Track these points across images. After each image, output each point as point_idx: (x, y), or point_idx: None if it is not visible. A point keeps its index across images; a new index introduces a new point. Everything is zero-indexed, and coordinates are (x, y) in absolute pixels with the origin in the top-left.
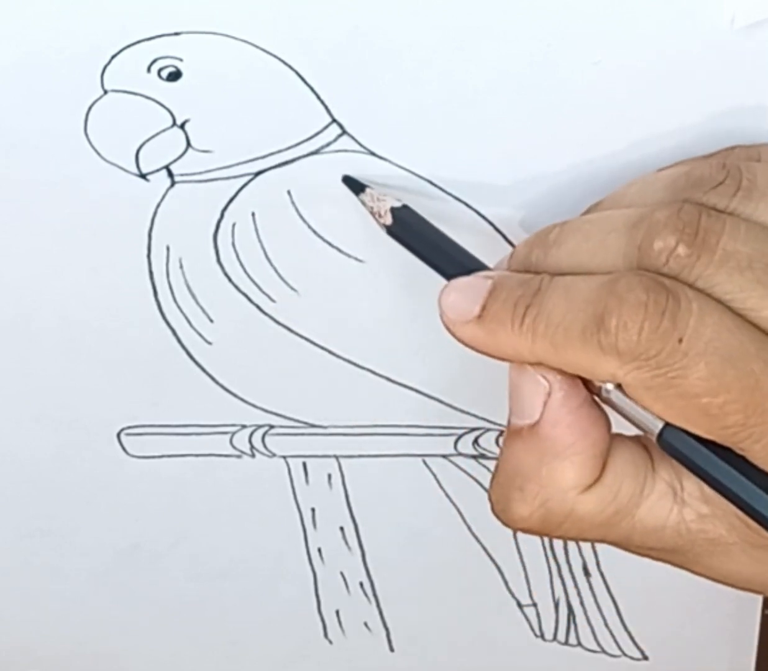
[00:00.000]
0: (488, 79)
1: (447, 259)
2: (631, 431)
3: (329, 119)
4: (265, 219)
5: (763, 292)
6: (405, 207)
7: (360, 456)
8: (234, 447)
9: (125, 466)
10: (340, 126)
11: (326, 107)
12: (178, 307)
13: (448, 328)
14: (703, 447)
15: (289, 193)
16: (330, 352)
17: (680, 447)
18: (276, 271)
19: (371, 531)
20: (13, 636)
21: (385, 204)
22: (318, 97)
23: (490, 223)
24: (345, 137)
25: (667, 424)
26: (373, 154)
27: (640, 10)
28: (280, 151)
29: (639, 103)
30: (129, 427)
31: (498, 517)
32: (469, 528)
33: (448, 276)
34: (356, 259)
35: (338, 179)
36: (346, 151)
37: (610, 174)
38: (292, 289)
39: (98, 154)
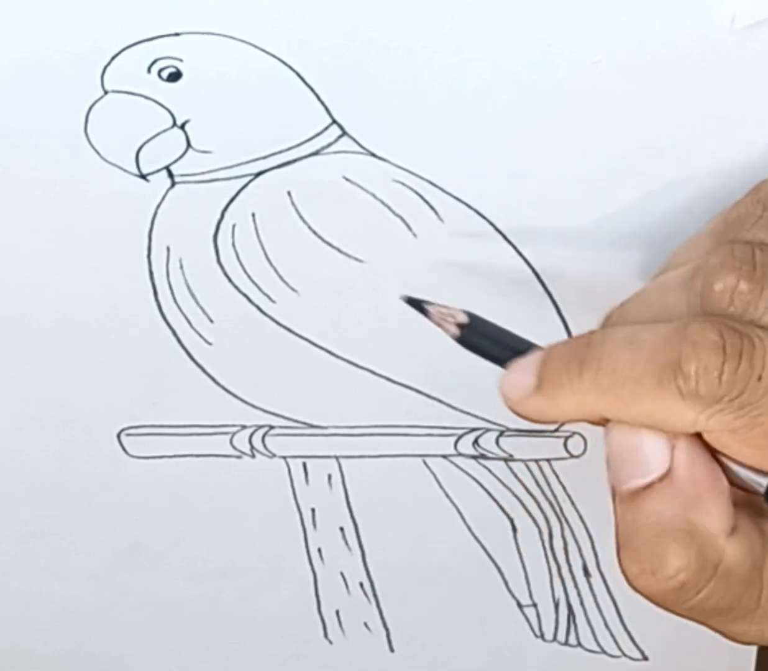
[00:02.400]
0: (488, 79)
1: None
2: None
3: (329, 120)
4: (265, 219)
5: None
6: (472, 319)
7: (360, 456)
8: (234, 448)
9: (125, 466)
10: (341, 127)
11: (326, 108)
12: (179, 308)
13: (511, 410)
14: None
15: (289, 193)
16: (330, 352)
17: None
18: (276, 271)
19: (371, 531)
20: (13, 636)
21: (453, 319)
22: (318, 98)
23: (490, 223)
24: (345, 138)
25: None
26: (373, 155)
27: (640, 10)
28: (280, 152)
29: (639, 103)
30: (129, 427)
31: (637, 586)
32: (469, 528)
33: None
34: (356, 259)
35: (339, 180)
36: (346, 152)
37: (611, 174)
38: (292, 289)
39: (98, 154)
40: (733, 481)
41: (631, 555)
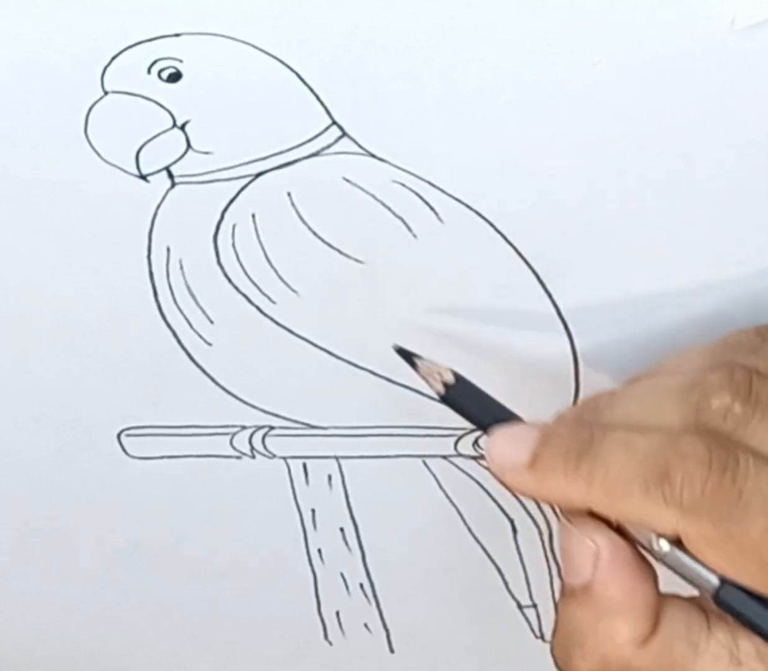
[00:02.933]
0: (488, 79)
1: (501, 421)
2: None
3: (329, 121)
4: (265, 220)
5: None
6: (457, 379)
7: (360, 456)
8: (234, 448)
9: (125, 467)
10: (341, 128)
11: (326, 109)
12: (179, 308)
13: (495, 475)
14: (759, 605)
15: (289, 194)
16: (330, 353)
17: (736, 605)
18: (276, 272)
19: (371, 531)
20: (13, 636)
21: (439, 377)
22: (318, 99)
23: (490, 224)
24: (345, 139)
25: (723, 582)
26: (373, 155)
27: (640, 10)
28: (280, 153)
29: (639, 103)
30: (129, 428)
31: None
32: (469, 529)
33: None
34: (356, 259)
35: (339, 181)
36: (346, 153)
37: (611, 174)
38: (292, 290)
39: (98, 154)
40: (690, 581)
41: (554, 645)
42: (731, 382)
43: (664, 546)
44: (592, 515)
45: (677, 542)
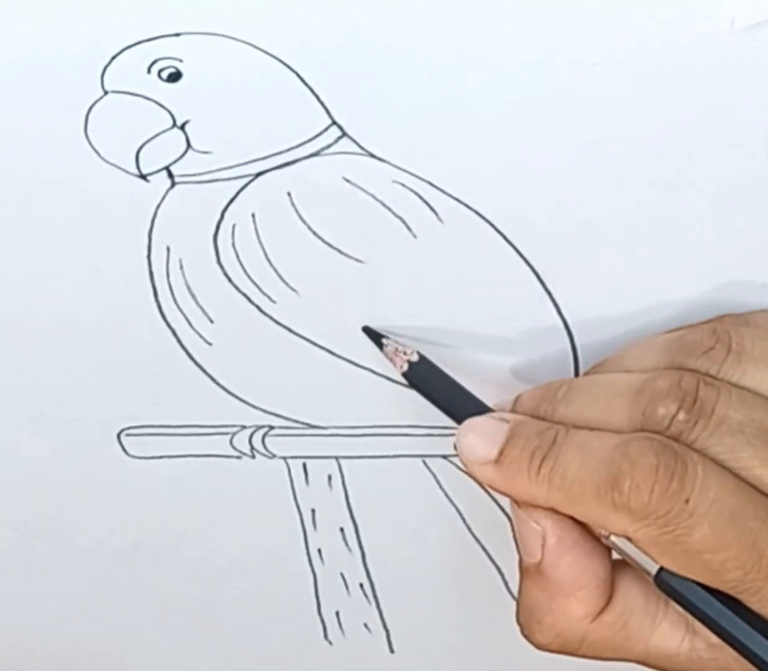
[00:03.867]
0: (488, 79)
1: (459, 404)
2: None
3: (329, 121)
4: (265, 220)
5: (752, 452)
6: (421, 359)
7: (360, 456)
8: (234, 448)
9: (125, 466)
10: (341, 128)
11: (326, 109)
12: (179, 308)
13: (465, 467)
14: (697, 587)
15: (289, 194)
16: (330, 352)
17: (677, 587)
18: (276, 271)
19: (371, 531)
20: (13, 636)
21: (404, 356)
22: (318, 99)
23: (490, 223)
24: (345, 139)
25: (662, 568)
26: (373, 155)
27: (640, 10)
28: (280, 153)
29: (639, 103)
30: (129, 428)
31: (527, 640)
32: (469, 528)
33: (460, 419)
34: (356, 259)
35: (338, 181)
36: (346, 153)
37: (611, 174)
38: (292, 289)
39: (98, 154)
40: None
41: (518, 615)
42: (678, 390)
43: (606, 535)
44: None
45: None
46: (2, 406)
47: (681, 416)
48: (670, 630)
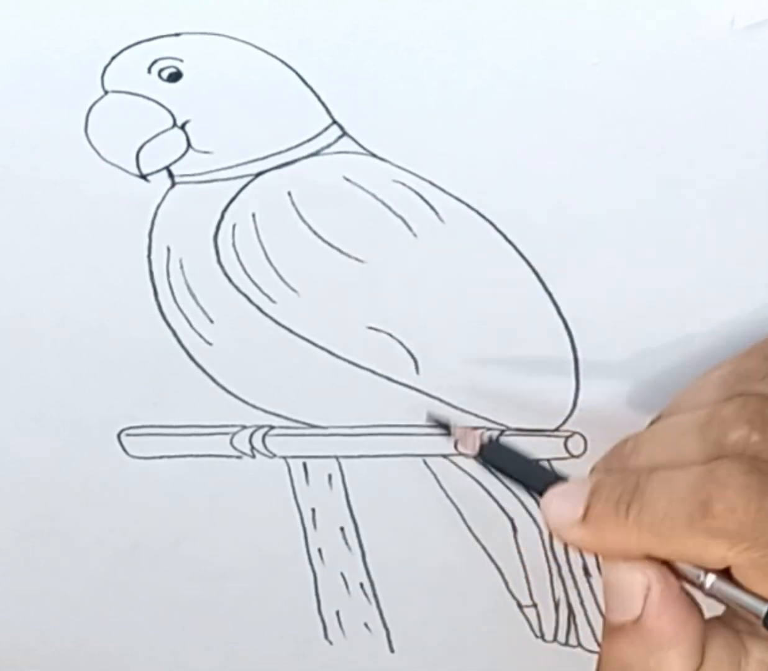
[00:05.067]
0: (488, 79)
1: (536, 477)
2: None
3: (330, 121)
4: (265, 220)
5: None
6: (491, 441)
7: (360, 456)
8: (234, 448)
9: (125, 466)
10: (341, 127)
11: (326, 108)
12: (179, 308)
13: (555, 534)
14: None
15: (289, 194)
16: (330, 352)
17: None
18: (276, 271)
19: (371, 531)
20: (13, 636)
21: (475, 440)
22: (318, 99)
23: (491, 223)
24: (345, 139)
25: None
26: (373, 155)
27: (640, 10)
28: (280, 152)
29: (639, 103)
30: (129, 428)
31: None
32: (469, 528)
33: (540, 491)
34: (356, 259)
35: (339, 180)
36: (346, 152)
37: (611, 174)
38: (292, 289)
39: (98, 154)
40: (736, 611)
41: None
42: (746, 413)
43: (710, 578)
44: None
45: (726, 572)
46: (2, 406)
47: (754, 437)
48: None
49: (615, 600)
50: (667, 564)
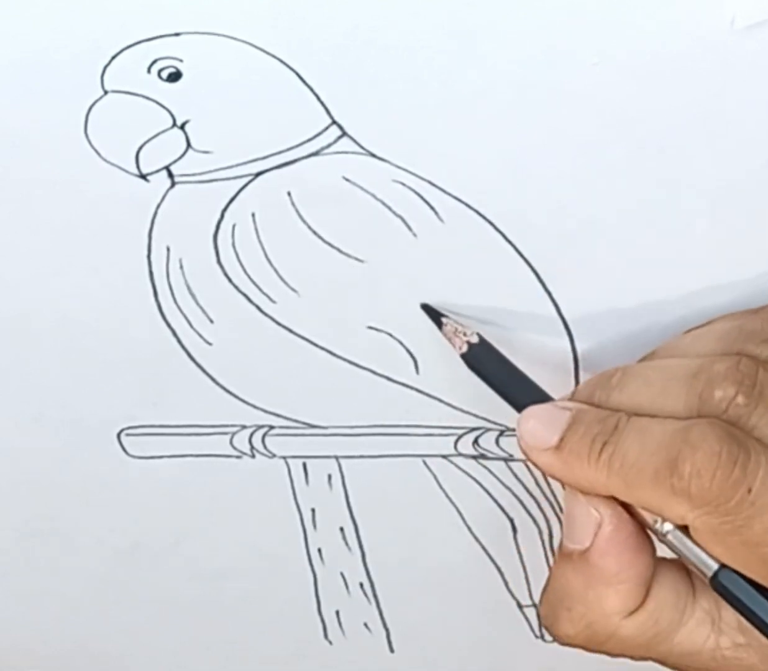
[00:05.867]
0: (488, 79)
1: (518, 389)
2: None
3: (329, 121)
4: (265, 220)
5: None
6: (481, 341)
7: (360, 456)
8: (234, 448)
9: (125, 466)
10: (341, 127)
11: (326, 108)
12: (178, 308)
13: (524, 453)
14: (755, 591)
15: (289, 194)
16: (330, 352)
17: (733, 590)
18: (276, 271)
19: (371, 531)
20: (13, 636)
21: (463, 337)
22: (318, 98)
23: (490, 223)
24: (345, 139)
25: (721, 566)
26: (373, 155)
27: (640, 10)
28: (280, 152)
29: (639, 103)
30: (129, 427)
31: (546, 630)
32: (469, 528)
33: (519, 406)
34: (356, 259)
35: (338, 180)
36: (346, 152)
37: (611, 174)
38: (292, 289)
39: (98, 154)
40: (688, 562)
41: (542, 604)
42: (737, 373)
43: (667, 527)
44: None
45: (683, 528)
46: (2, 406)
47: (740, 400)
48: (696, 629)
49: (569, 528)
50: (627, 505)
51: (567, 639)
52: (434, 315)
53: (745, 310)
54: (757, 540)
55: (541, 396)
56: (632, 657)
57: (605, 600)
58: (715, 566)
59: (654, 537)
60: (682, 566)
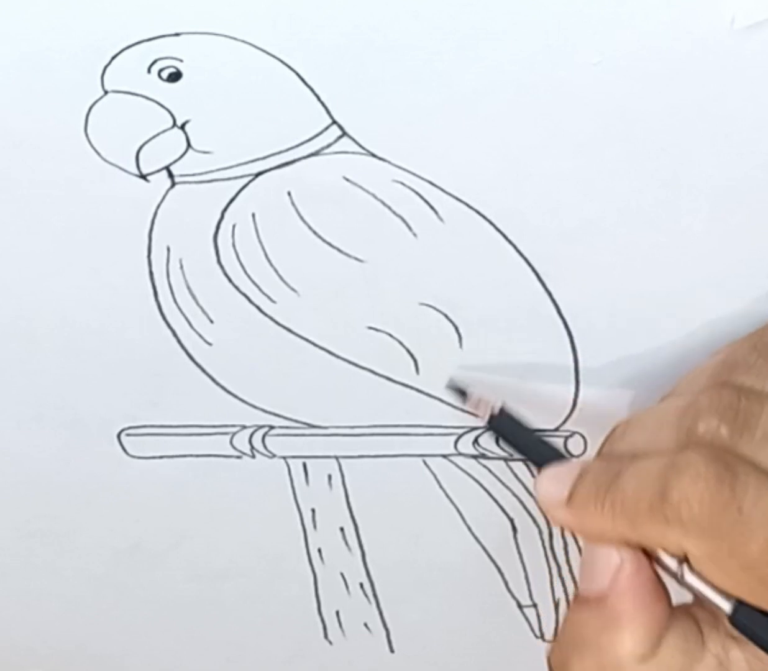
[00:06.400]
0: (488, 79)
1: (538, 452)
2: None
3: (329, 120)
4: (265, 220)
5: None
6: (502, 410)
7: (360, 456)
8: (234, 448)
9: (125, 466)
10: (341, 127)
11: (326, 108)
12: (179, 308)
13: (544, 512)
14: None
15: (289, 194)
16: (330, 352)
17: (753, 626)
18: (276, 271)
19: (371, 531)
20: (13, 636)
21: (486, 409)
22: (318, 98)
23: (491, 223)
24: (345, 139)
25: (739, 603)
26: (373, 155)
27: (640, 10)
28: (280, 152)
29: (639, 103)
30: (129, 428)
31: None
32: (469, 528)
33: (541, 466)
34: (356, 259)
35: (339, 180)
36: (346, 152)
37: (611, 174)
38: (292, 289)
39: (98, 154)
40: (703, 604)
41: (553, 649)
42: (719, 404)
43: (684, 568)
44: None
45: (687, 561)
46: (2, 406)
47: (723, 430)
48: None
49: (588, 574)
50: (648, 553)
51: None
52: (457, 389)
53: (734, 340)
54: (754, 562)
55: (558, 457)
56: None
57: (619, 645)
58: (727, 605)
59: (669, 583)
60: (690, 614)
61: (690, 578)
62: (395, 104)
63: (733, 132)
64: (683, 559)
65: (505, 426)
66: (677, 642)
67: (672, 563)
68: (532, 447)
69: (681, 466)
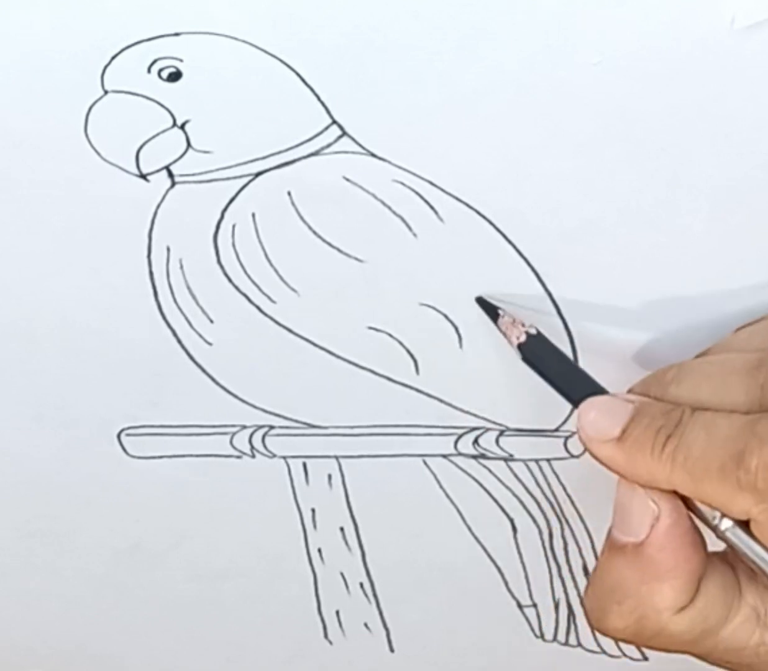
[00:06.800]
0: (488, 79)
1: (575, 382)
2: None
3: (329, 120)
4: (265, 219)
5: None
6: (538, 334)
7: (360, 456)
8: (234, 448)
9: (125, 466)
10: (341, 127)
11: (326, 108)
12: (179, 308)
13: (584, 445)
14: None
15: (289, 193)
16: (330, 353)
17: None
18: (276, 271)
19: (371, 531)
20: (13, 636)
21: (520, 330)
22: (318, 98)
23: (491, 223)
24: (345, 138)
25: None
26: (373, 155)
27: (640, 10)
28: (280, 152)
29: (639, 103)
30: (129, 428)
31: (592, 625)
32: (469, 528)
33: (575, 399)
34: (356, 259)
35: (338, 180)
36: (346, 152)
37: (611, 174)
38: (292, 289)
39: (98, 154)
40: (748, 559)
41: (588, 598)
42: None
43: (725, 523)
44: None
45: (745, 523)
46: (2, 406)
47: None
48: (742, 625)
49: (622, 520)
50: (685, 499)
51: (615, 632)
52: (489, 308)
53: None
54: None
55: (598, 389)
56: (674, 652)
57: (658, 595)
58: None
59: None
60: (727, 562)
61: (736, 534)
62: (395, 104)
63: (733, 132)
64: (742, 522)
65: (537, 353)
66: (716, 592)
67: (710, 513)
68: (568, 377)
69: (762, 433)
